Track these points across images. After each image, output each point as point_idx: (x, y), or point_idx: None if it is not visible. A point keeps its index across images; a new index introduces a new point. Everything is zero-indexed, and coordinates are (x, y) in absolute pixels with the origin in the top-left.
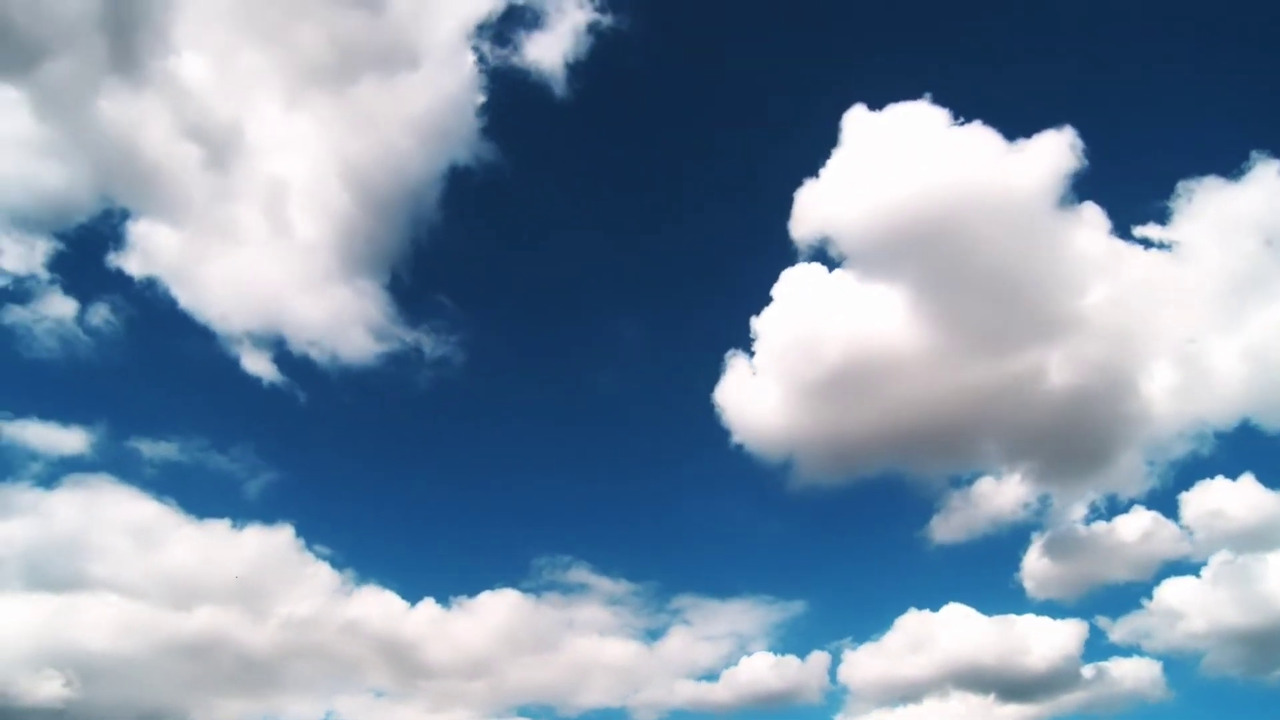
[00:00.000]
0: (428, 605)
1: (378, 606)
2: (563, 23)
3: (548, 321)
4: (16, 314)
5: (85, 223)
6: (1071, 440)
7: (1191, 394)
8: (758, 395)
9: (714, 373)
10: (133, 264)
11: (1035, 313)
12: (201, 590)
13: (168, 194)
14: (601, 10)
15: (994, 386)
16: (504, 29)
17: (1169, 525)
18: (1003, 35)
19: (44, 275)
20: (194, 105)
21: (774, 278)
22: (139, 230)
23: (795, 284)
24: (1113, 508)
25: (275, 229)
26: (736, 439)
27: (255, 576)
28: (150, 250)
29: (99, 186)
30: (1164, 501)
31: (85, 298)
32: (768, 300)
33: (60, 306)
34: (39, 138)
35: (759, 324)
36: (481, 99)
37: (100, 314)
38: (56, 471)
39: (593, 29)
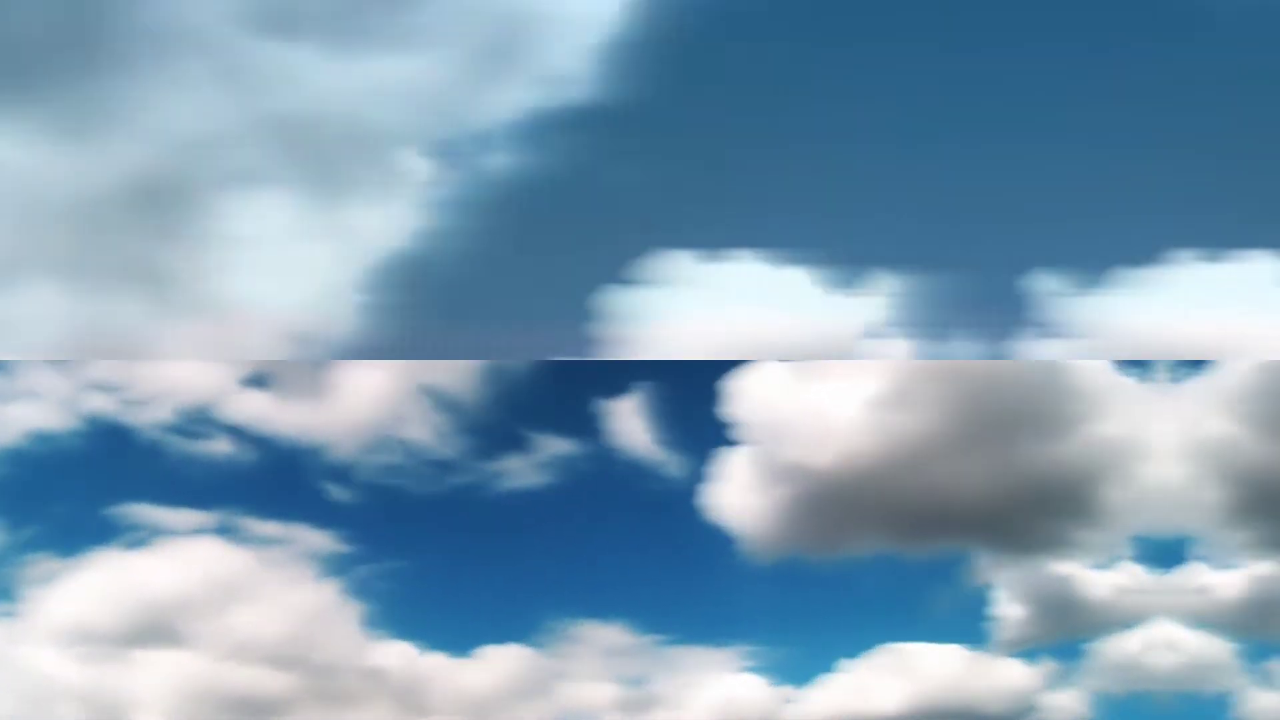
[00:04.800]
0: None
1: (397, 658)
2: None
3: None
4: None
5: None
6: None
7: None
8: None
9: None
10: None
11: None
12: (252, 643)
13: None
14: None
15: (992, 479)
16: None
17: (1146, 579)
18: None
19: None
20: None
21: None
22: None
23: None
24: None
25: None
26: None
27: (300, 630)
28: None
29: None
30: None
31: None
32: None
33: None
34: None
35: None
36: None
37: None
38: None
39: None
